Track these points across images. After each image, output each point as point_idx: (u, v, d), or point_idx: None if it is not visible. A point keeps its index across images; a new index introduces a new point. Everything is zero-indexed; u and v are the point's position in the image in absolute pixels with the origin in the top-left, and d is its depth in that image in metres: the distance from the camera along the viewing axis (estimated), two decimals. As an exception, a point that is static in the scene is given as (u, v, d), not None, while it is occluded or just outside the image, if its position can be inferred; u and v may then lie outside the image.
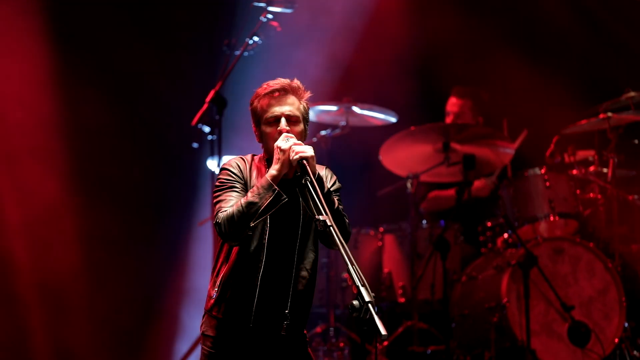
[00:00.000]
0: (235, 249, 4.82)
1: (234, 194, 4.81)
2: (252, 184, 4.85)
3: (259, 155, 5.01)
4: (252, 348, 4.81)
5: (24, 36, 8.86)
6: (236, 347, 4.80)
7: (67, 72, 9.09)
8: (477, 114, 9.84)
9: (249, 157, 4.99)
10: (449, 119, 9.80)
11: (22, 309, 8.73)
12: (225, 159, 8.75)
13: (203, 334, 4.89)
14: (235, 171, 4.89)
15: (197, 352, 8.86)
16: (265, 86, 4.93)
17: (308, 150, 4.68)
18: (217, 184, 4.89)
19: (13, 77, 8.85)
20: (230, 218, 4.68)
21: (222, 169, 4.94)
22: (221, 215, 4.71)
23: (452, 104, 9.88)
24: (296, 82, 4.93)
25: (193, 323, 9.29)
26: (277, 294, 4.80)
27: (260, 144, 4.98)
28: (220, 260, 4.88)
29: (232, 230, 4.68)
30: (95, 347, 8.98)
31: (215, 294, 4.83)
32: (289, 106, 4.87)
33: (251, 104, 4.95)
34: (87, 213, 9.14)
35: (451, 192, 9.58)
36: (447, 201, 9.66)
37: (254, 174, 4.90)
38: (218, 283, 4.83)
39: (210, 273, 4.94)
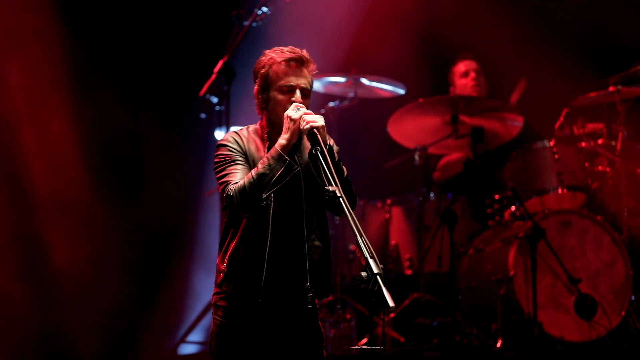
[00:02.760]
0: (242, 224, 4.80)
1: (239, 166, 4.78)
2: (251, 157, 4.83)
3: (253, 126, 4.96)
4: (264, 321, 4.80)
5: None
6: (247, 320, 4.80)
7: (73, 48, 9.06)
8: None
9: (244, 130, 4.94)
10: (470, 78, 9.69)
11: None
12: (233, 129, 8.73)
13: (214, 304, 4.88)
14: (234, 146, 4.84)
15: (206, 320, 8.97)
16: (279, 52, 4.86)
17: (319, 120, 4.66)
18: (217, 160, 4.85)
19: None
20: (242, 190, 4.66)
21: (219, 146, 4.87)
22: (232, 187, 4.69)
23: (467, 64, 9.78)
24: (308, 55, 4.88)
25: (203, 289, 9.34)
26: (291, 266, 4.78)
27: (260, 111, 4.93)
28: (229, 235, 4.86)
29: (244, 202, 4.67)
30: (101, 314, 9.01)
31: (224, 269, 4.82)
32: (304, 79, 4.84)
33: (262, 67, 4.87)
34: (95, 182, 9.15)
35: (458, 155, 9.58)
36: (457, 165, 9.65)
37: (253, 146, 4.86)
38: (227, 258, 4.81)
39: (217, 246, 4.93)
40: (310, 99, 4.89)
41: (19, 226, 8.67)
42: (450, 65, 9.96)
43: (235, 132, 4.93)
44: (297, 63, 4.83)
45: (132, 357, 9.09)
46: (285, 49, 4.88)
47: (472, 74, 9.75)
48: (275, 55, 4.86)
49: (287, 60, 4.83)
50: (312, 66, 4.89)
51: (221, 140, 4.90)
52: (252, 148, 4.86)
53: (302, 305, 4.78)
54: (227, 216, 4.88)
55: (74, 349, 8.83)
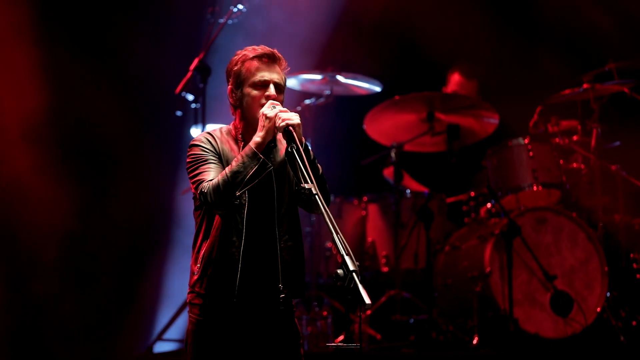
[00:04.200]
0: (214, 225, 4.79)
1: (212, 165, 4.77)
2: (225, 157, 4.81)
3: (226, 127, 4.95)
4: (239, 320, 4.79)
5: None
6: (223, 319, 4.79)
7: (51, 42, 9.01)
8: (480, 94, 9.80)
9: (217, 131, 4.93)
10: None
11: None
12: (209, 127, 8.73)
13: (190, 303, 4.86)
14: (207, 146, 4.83)
15: (182, 319, 8.94)
16: (250, 49, 4.88)
17: (294, 118, 4.66)
18: (190, 160, 4.83)
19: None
20: (217, 188, 4.65)
21: (191, 146, 4.86)
22: (206, 185, 4.68)
23: (461, 84, 9.78)
24: (278, 53, 4.89)
25: (178, 287, 9.31)
26: (264, 267, 4.77)
27: (234, 111, 4.92)
28: (200, 236, 4.85)
29: (218, 200, 4.66)
30: (76, 312, 8.96)
31: (197, 270, 4.80)
32: (277, 74, 4.85)
33: (234, 65, 4.88)
34: (68, 179, 9.09)
35: (421, 189, 9.60)
36: (413, 187, 9.70)
37: (226, 146, 4.85)
38: (200, 259, 4.80)
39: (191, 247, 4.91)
40: (285, 97, 4.89)
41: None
42: (449, 68, 9.92)
43: (208, 132, 4.92)
44: (269, 59, 4.84)
45: (107, 355, 9.04)
46: (256, 47, 4.89)
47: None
48: (247, 52, 4.87)
49: (259, 56, 4.84)
50: (284, 64, 4.90)
51: (193, 140, 4.89)
52: (226, 149, 4.85)
53: (275, 305, 4.78)
54: (200, 216, 4.86)
55: (48, 347, 8.79)
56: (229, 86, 4.92)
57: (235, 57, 4.91)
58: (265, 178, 4.73)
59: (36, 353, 8.74)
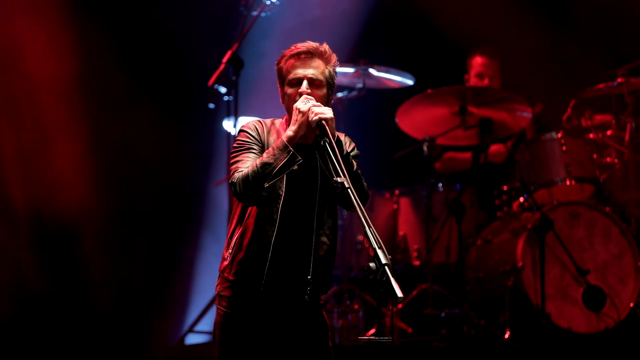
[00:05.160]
0: (251, 213, 4.82)
1: (251, 154, 4.81)
2: (268, 147, 4.84)
3: (282, 119, 5.00)
4: (266, 311, 4.82)
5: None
6: (250, 309, 4.82)
7: (86, 36, 9.05)
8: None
9: (268, 121, 4.99)
10: (484, 82, 9.62)
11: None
12: (242, 120, 8.76)
13: (218, 295, 4.90)
14: (253, 133, 4.88)
15: (213, 311, 8.98)
16: (292, 48, 4.91)
17: (327, 112, 4.67)
18: (235, 145, 4.89)
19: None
20: (245, 178, 4.68)
21: (240, 131, 4.93)
22: (237, 175, 4.72)
23: (485, 65, 9.72)
24: (325, 47, 4.90)
25: (211, 280, 9.34)
26: (295, 259, 4.80)
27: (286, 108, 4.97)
28: (234, 222, 4.89)
29: (246, 191, 4.69)
30: (109, 304, 9.02)
31: (228, 255, 4.84)
32: (313, 69, 4.85)
33: (277, 64, 4.94)
34: (103, 174, 9.16)
35: (467, 155, 9.56)
36: (462, 164, 9.66)
37: (273, 137, 4.89)
38: (232, 245, 4.84)
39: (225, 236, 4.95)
40: (331, 91, 4.90)
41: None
42: (468, 55, 9.87)
43: (259, 120, 4.98)
44: (306, 54, 4.86)
45: (140, 346, 9.10)
46: (299, 44, 4.92)
47: (486, 80, 9.65)
48: (287, 51, 4.92)
49: (296, 54, 4.86)
50: (329, 57, 4.90)
51: (243, 125, 4.96)
52: (272, 140, 4.88)
53: (301, 297, 4.80)
54: (237, 205, 4.90)
55: (82, 336, 8.87)
56: (278, 84, 4.98)
57: (280, 56, 4.96)
58: (311, 172, 4.77)
59: (70, 342, 8.82)
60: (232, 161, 4.84)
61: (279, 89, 4.97)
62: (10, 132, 8.67)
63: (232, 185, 4.73)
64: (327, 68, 4.88)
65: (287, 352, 4.86)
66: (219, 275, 4.92)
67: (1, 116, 8.61)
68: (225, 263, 4.86)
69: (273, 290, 4.80)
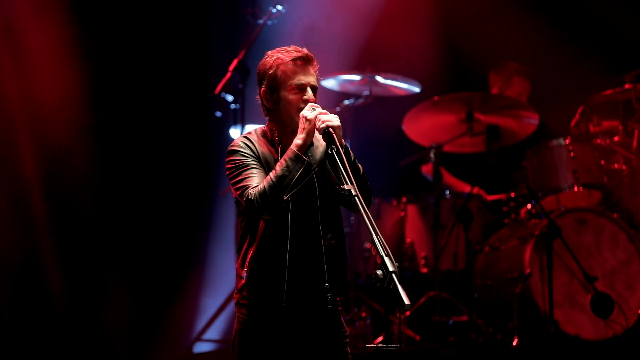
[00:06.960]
0: (259, 229, 4.78)
1: (254, 170, 4.75)
2: (264, 159, 4.80)
3: (260, 129, 4.93)
4: (287, 321, 4.79)
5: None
6: (270, 320, 4.78)
7: (90, 44, 9.08)
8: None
9: (252, 134, 4.90)
10: (522, 99, 9.51)
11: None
12: (248, 127, 8.76)
13: (237, 303, 4.84)
14: (246, 150, 4.80)
15: (222, 319, 8.98)
16: (284, 51, 4.85)
17: (334, 120, 4.65)
18: (230, 166, 4.80)
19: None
20: (263, 193, 4.62)
21: (230, 152, 4.83)
22: (252, 191, 4.65)
23: (522, 84, 9.63)
24: (310, 53, 4.87)
25: (219, 287, 9.35)
26: (310, 268, 4.77)
27: (267, 113, 4.89)
28: (247, 240, 4.83)
29: (266, 205, 4.63)
30: (118, 312, 9.03)
31: (245, 274, 4.79)
32: (312, 76, 4.83)
33: (269, 69, 4.84)
34: (111, 181, 9.18)
35: (465, 188, 9.52)
36: (455, 189, 9.63)
37: (264, 150, 4.82)
38: (247, 264, 4.78)
39: (234, 243, 4.93)
40: (323, 97, 4.90)
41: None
42: (503, 68, 9.75)
43: (244, 136, 4.88)
44: (304, 61, 4.82)
45: (148, 354, 9.10)
46: (288, 48, 4.87)
47: (524, 97, 9.56)
48: (281, 55, 4.84)
49: (295, 60, 4.81)
50: (316, 64, 4.87)
51: (231, 146, 4.85)
52: (265, 151, 4.83)
53: (322, 305, 4.79)
54: (244, 221, 4.85)
55: (90, 344, 8.88)
56: (262, 89, 4.88)
57: (268, 59, 4.88)
58: (308, 179, 4.73)
59: (79, 349, 8.83)
60: (234, 181, 4.76)
61: (265, 91, 4.86)
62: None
63: (248, 202, 4.65)
64: (316, 75, 4.87)
65: (306, 359, 4.85)
66: (237, 292, 4.86)
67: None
68: (242, 282, 4.80)
69: (293, 303, 4.77)
